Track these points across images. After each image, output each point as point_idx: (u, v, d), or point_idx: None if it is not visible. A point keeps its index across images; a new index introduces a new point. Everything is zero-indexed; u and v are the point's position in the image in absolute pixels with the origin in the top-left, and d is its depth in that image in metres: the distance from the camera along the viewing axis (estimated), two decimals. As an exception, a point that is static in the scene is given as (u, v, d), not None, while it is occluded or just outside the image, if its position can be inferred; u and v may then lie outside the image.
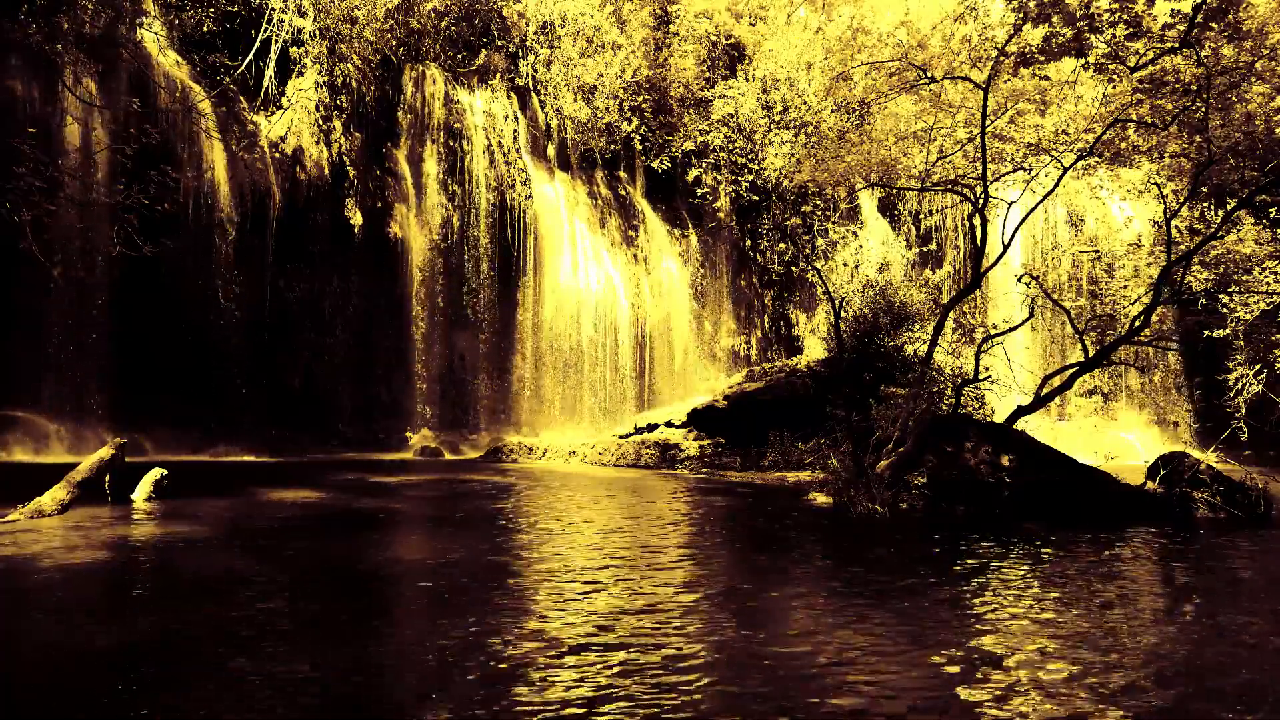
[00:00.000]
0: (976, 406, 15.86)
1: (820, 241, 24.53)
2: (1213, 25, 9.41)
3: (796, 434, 15.27)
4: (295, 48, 18.63)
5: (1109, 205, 23.69)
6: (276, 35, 18.20)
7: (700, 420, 17.09)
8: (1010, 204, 12.43)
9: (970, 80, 11.44)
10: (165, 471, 9.06)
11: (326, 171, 18.70)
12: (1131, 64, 10.20)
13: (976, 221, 11.88)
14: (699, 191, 25.11)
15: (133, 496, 8.65)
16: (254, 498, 9.66)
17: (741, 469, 14.94)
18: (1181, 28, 9.50)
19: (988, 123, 10.93)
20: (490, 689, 3.46)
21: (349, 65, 19.33)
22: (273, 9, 17.97)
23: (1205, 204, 14.88)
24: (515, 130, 22.28)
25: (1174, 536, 8.17)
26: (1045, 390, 11.10)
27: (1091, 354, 11.43)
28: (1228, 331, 16.61)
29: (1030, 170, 12.97)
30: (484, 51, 22.49)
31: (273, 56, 18.27)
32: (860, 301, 18.03)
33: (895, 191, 24.36)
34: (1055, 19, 9.73)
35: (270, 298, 17.60)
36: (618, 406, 22.06)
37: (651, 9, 25.43)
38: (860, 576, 6.17)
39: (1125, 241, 22.93)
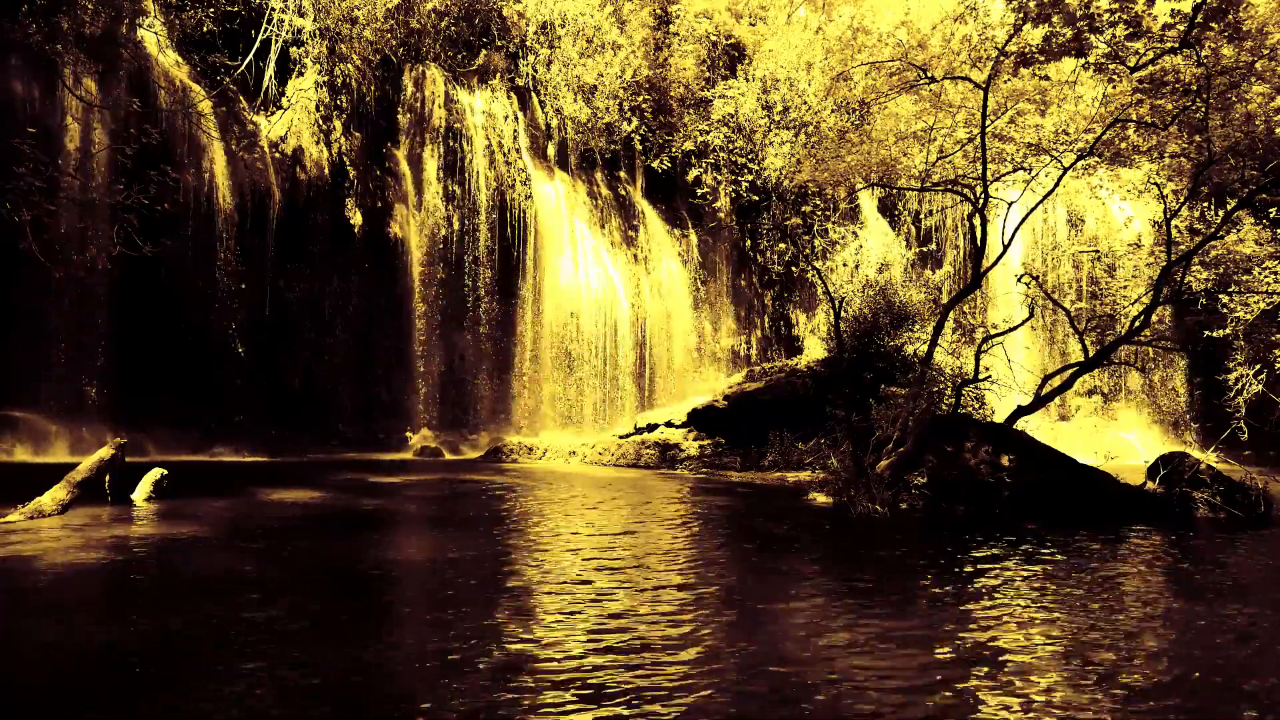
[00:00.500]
0: (976, 406, 15.86)
1: (820, 241, 24.52)
2: (1213, 25, 9.41)
3: (796, 434, 15.28)
4: (295, 48, 18.63)
5: (1109, 205, 23.69)
6: (276, 35, 18.20)
7: (700, 420, 17.09)
8: (1010, 204, 12.43)
9: (970, 80, 11.44)
10: (165, 471, 9.06)
11: (326, 171, 18.70)
12: (1131, 64, 10.20)
13: (976, 221, 11.88)
14: (699, 191, 25.11)
15: (133, 496, 8.65)
16: (254, 498, 9.65)
17: (741, 469, 14.94)
18: (1181, 28, 9.50)
19: (988, 123, 10.93)
20: (490, 689, 3.46)
21: (349, 65, 19.33)
22: (273, 9, 17.97)
23: (1205, 204, 14.88)
24: (515, 130, 22.28)
25: (1174, 536, 8.16)
26: (1045, 390, 11.09)
27: (1091, 354, 11.42)
28: (1228, 331, 16.60)
29: (1030, 170, 12.97)
30: (484, 51, 22.49)
31: (273, 56, 18.28)
32: (860, 301, 18.04)
33: (895, 191, 24.36)
34: (1055, 19, 9.73)
35: (270, 298, 17.60)
36: (618, 406, 22.06)
37: (651, 9, 25.42)
38: (860, 576, 6.17)
39: (1125, 241, 22.91)
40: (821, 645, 4.19)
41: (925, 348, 12.79)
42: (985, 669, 3.87)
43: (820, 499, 10.32)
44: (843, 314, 15.13)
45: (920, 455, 10.02)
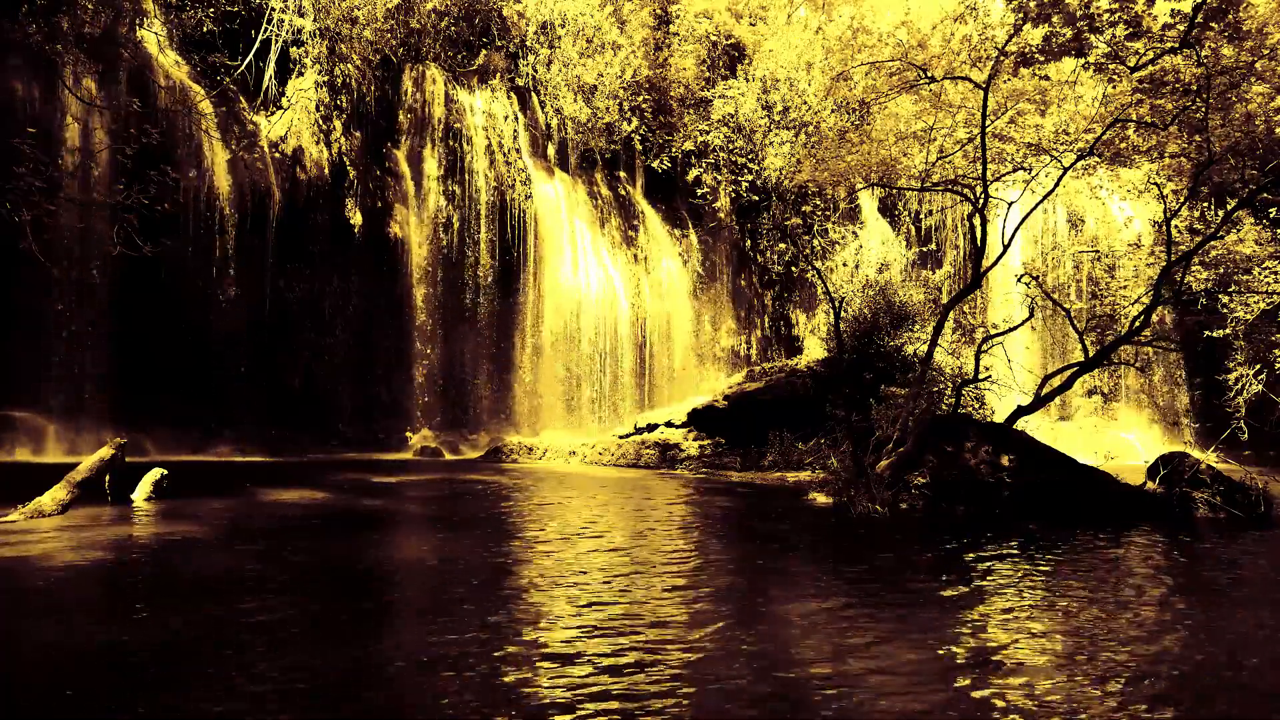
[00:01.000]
0: (976, 406, 15.86)
1: (820, 241, 24.53)
2: (1213, 25, 9.41)
3: (796, 434, 15.28)
4: (295, 48, 18.63)
5: (1109, 205, 23.71)
6: (276, 35, 18.20)
7: (700, 420, 17.09)
8: (1010, 204, 12.43)
9: (970, 80, 11.44)
10: (165, 471, 9.05)
11: (326, 171, 18.70)
12: (1131, 64, 10.20)
13: (976, 221, 11.88)
14: (699, 191, 25.11)
15: (133, 496, 8.65)
16: (254, 498, 9.65)
17: (741, 469, 14.94)
18: (1181, 28, 9.50)
19: (988, 123, 10.93)
20: (490, 689, 3.46)
21: (349, 65, 19.33)
22: (273, 9, 17.97)
23: (1205, 204, 14.88)
24: (515, 130, 22.28)
25: (1174, 536, 8.16)
26: (1045, 390, 11.10)
27: (1091, 354, 11.43)
28: (1228, 331, 16.61)
29: (1030, 170, 12.97)
30: (484, 51, 22.49)
31: (273, 56, 18.28)
32: (860, 301, 18.04)
33: (895, 191, 24.37)
34: (1055, 19, 9.73)
35: (270, 298, 17.60)
36: (618, 406, 22.06)
37: (651, 9, 25.43)
38: (860, 576, 6.16)
39: (1125, 241, 22.92)
40: (822, 645, 4.19)
41: (925, 348, 12.79)
42: (985, 669, 3.87)
43: (820, 499, 10.32)
44: (843, 314, 15.14)
45: (920, 455, 10.02)
